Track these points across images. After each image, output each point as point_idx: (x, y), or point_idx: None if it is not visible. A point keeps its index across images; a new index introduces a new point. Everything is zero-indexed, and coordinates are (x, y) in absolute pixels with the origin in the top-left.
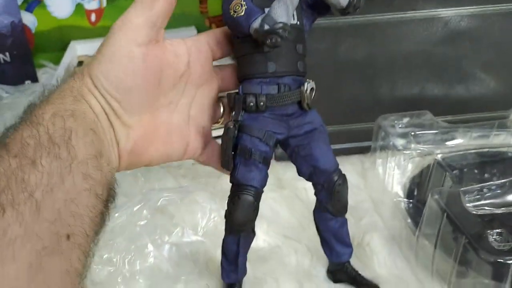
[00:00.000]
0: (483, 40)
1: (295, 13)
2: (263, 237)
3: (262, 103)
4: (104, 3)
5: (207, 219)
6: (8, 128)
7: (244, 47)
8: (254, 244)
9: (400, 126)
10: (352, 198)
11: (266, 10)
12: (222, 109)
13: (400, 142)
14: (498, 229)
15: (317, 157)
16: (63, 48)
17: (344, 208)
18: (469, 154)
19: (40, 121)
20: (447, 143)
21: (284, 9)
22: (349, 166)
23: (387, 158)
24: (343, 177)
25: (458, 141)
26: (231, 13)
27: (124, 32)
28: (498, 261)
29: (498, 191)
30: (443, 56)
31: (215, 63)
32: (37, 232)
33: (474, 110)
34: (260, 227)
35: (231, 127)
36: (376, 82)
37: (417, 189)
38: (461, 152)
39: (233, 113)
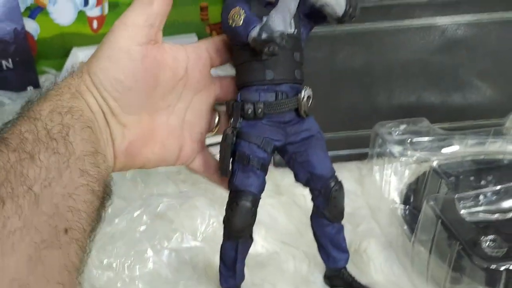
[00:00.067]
0: (479, 49)
1: (292, 22)
2: (261, 243)
3: (260, 110)
4: (106, 11)
5: (206, 225)
6: (6, 123)
7: (243, 55)
8: (252, 249)
9: (397, 133)
10: (350, 204)
11: (264, 18)
12: (217, 119)
13: (397, 149)
14: (492, 235)
15: (314, 164)
16: (65, 54)
17: (340, 213)
18: (465, 161)
19: (38, 117)
20: (444, 150)
21: (282, 18)
22: (347, 173)
23: (384, 165)
24: (339, 184)
25: (454, 148)
26: (230, 23)
27: (124, 32)
28: (491, 267)
29: (493, 197)
30: (440, 64)
31: (216, 71)
32: (36, 225)
33: (470, 117)
34: (258, 233)
35: (230, 133)
36: (373, 89)
37: (413, 196)
38: (457, 159)
39: (232, 120)
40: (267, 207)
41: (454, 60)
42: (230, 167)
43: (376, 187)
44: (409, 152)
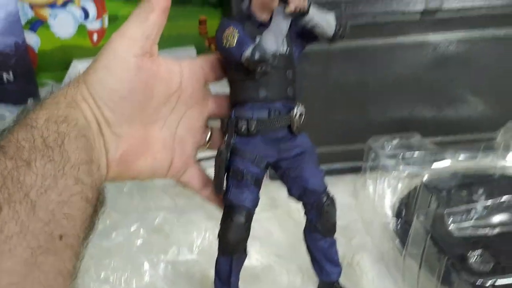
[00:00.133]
0: (471, 65)
1: (284, 41)
2: (256, 256)
3: (253, 127)
4: (106, 24)
5: (202, 238)
6: (2, 131)
7: (237, 73)
8: (247, 263)
9: (389, 148)
10: (344, 217)
11: (257, 39)
12: (209, 135)
13: (389, 163)
14: (480, 250)
15: (307, 179)
16: (65, 67)
17: (333, 227)
18: (456, 175)
19: (34, 125)
20: (435, 164)
21: (274, 39)
22: (341, 186)
23: (377, 179)
24: (331, 198)
25: (445, 162)
26: (224, 43)
27: (121, 43)
28: (478, 282)
29: (483, 212)
30: (432, 79)
31: (214, 88)
32: (32, 231)
33: (462, 131)
34: (253, 246)
35: (224, 150)
36: (367, 104)
37: (405, 210)
38: (448, 174)
39: (226, 136)
40: (262, 220)
41: (446, 76)
42: (225, 183)
43: (370, 200)
44: (401, 167)
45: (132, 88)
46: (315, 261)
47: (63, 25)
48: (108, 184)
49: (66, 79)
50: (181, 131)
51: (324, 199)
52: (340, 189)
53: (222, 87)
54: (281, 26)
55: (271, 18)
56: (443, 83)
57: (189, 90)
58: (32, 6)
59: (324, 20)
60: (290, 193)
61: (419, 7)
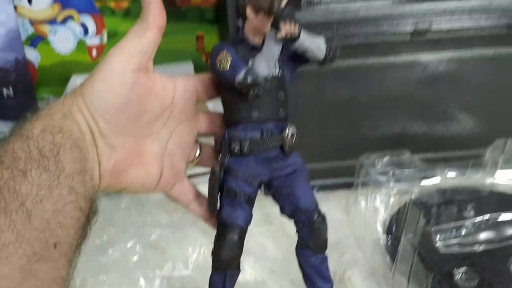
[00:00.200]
0: (460, 83)
1: (277, 64)
2: (250, 271)
3: (246, 148)
4: (105, 40)
5: (197, 253)
6: None
7: (230, 95)
8: (241, 278)
9: (380, 165)
10: (336, 233)
11: (250, 62)
12: (198, 151)
13: (380, 180)
14: (465, 267)
15: (299, 197)
16: (65, 82)
17: (324, 244)
18: (445, 192)
19: (30, 136)
20: (425, 181)
21: (266, 63)
22: (334, 202)
23: (368, 196)
24: (322, 216)
25: (435, 179)
26: (218, 66)
27: (119, 58)
28: None
29: (470, 230)
30: (423, 97)
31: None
32: (28, 239)
33: (452, 148)
34: (247, 261)
35: (217, 170)
36: (359, 121)
37: (395, 227)
38: (438, 190)
39: (220, 156)
40: (256, 235)
41: (436, 94)
42: (218, 202)
43: (361, 216)
44: (391, 184)
45: (127, 101)
46: (307, 277)
47: (62, 41)
48: (105, 199)
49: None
50: (171, 146)
51: (315, 216)
52: (332, 204)
53: (219, 105)
54: (272, 50)
55: (263, 42)
56: (433, 101)
57: (181, 107)
58: (32, 23)
59: (314, 45)
60: (282, 211)
61: (409, 28)
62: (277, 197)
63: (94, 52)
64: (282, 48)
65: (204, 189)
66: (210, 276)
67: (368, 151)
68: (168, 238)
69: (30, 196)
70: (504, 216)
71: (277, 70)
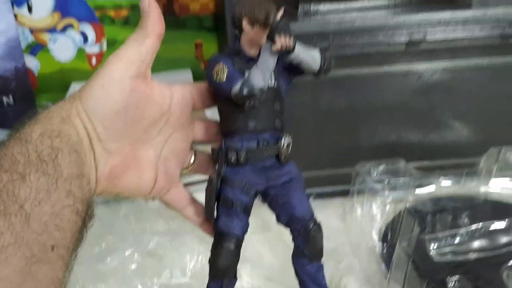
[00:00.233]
0: (455, 92)
1: (272, 75)
2: (247, 278)
3: (242, 158)
4: (105, 48)
5: (195, 261)
6: None
7: (226, 106)
8: (238, 285)
9: (376, 173)
10: (333, 240)
11: (246, 73)
12: (193, 159)
13: (375, 188)
14: (458, 275)
15: (294, 205)
16: (64, 89)
17: (319, 253)
18: (440, 200)
19: (29, 139)
20: (420, 189)
21: (261, 75)
22: (331, 209)
23: (363, 204)
24: (318, 224)
25: (430, 187)
26: (214, 78)
27: (117, 65)
28: None
29: (464, 238)
30: (418, 106)
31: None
32: (27, 242)
33: (447, 156)
34: (244, 268)
35: (214, 179)
36: (355, 130)
37: (390, 235)
38: (432, 199)
39: (216, 166)
40: (253, 243)
41: (431, 103)
42: (215, 211)
43: (357, 224)
44: (386, 192)
45: (125, 107)
46: (303, 285)
47: (62, 49)
48: (104, 207)
49: None
50: (166, 152)
51: (311, 225)
52: (329, 212)
53: (216, 113)
54: (268, 62)
55: (259, 53)
56: (428, 110)
57: (177, 114)
58: (32, 31)
59: (309, 56)
60: (279, 219)
61: (404, 38)
62: (273, 206)
63: (94, 60)
64: (277, 60)
65: (201, 197)
66: (207, 284)
67: (364, 159)
68: (166, 246)
69: (29, 199)
70: (497, 225)
71: (273, 81)
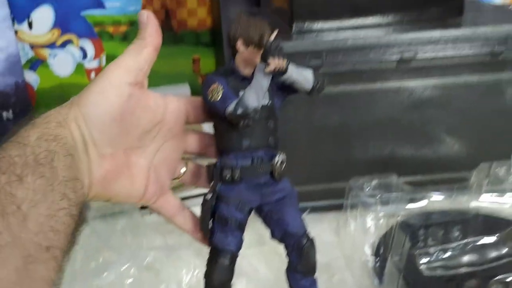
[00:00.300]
0: (446, 108)
1: (266, 94)
2: None
3: (237, 175)
4: (104, 63)
5: (191, 275)
6: None
7: (221, 124)
8: None
9: (368, 188)
10: (326, 254)
11: (241, 92)
12: (184, 169)
13: (368, 203)
14: None
15: (288, 221)
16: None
17: (313, 268)
18: (431, 215)
19: (26, 143)
20: (412, 204)
21: (255, 94)
22: (325, 223)
23: (357, 218)
24: (311, 240)
25: (422, 202)
26: (209, 97)
27: (116, 72)
28: None
29: (454, 253)
30: (410, 121)
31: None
32: (23, 241)
33: (439, 170)
34: (240, 282)
35: (210, 197)
36: (349, 145)
37: (382, 249)
38: (423, 213)
39: (212, 183)
40: (249, 257)
41: (422, 118)
42: (210, 227)
43: (351, 238)
44: (379, 207)
45: (121, 113)
46: None
47: (62, 64)
48: (101, 222)
49: None
50: (158, 161)
51: (304, 241)
52: (324, 226)
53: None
54: (262, 82)
55: (253, 73)
56: (420, 126)
57: (170, 124)
58: (32, 47)
59: (302, 77)
60: (273, 235)
61: (395, 56)
62: (267, 222)
63: (93, 75)
64: (271, 79)
65: (197, 212)
66: None
67: (358, 174)
68: (163, 260)
69: (26, 200)
70: (487, 239)
71: (266, 100)
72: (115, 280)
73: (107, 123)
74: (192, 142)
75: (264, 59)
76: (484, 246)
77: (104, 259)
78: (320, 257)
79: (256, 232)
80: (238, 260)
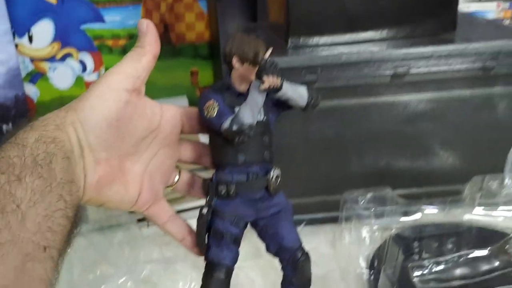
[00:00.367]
0: (439, 121)
1: (261, 110)
2: None
3: (232, 191)
4: None
5: None
6: None
7: (217, 140)
8: None
9: (363, 201)
10: (322, 267)
11: (236, 108)
12: (177, 177)
13: (363, 216)
14: None
15: (283, 236)
16: None
17: (308, 282)
18: (426, 227)
19: (25, 144)
20: (406, 217)
21: (250, 111)
22: (322, 236)
23: (351, 232)
24: (306, 254)
25: (416, 215)
26: (205, 113)
27: (115, 78)
28: None
29: (447, 265)
30: (404, 135)
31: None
32: (22, 240)
33: (433, 183)
34: None
35: (205, 212)
36: (344, 158)
37: (377, 262)
38: (417, 227)
39: (208, 198)
40: (246, 269)
41: (416, 132)
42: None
43: (346, 251)
44: (373, 220)
45: (118, 118)
46: None
47: (61, 77)
48: (99, 235)
49: None
50: (152, 168)
51: (299, 255)
52: (320, 238)
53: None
54: (257, 99)
55: (249, 89)
56: (414, 139)
57: (165, 132)
58: (32, 60)
59: (296, 94)
60: (268, 249)
61: (389, 72)
62: (262, 236)
63: None
64: (267, 95)
65: (193, 224)
66: None
67: (353, 187)
68: (160, 273)
69: (24, 200)
70: (479, 252)
71: (262, 116)
72: None
73: (104, 128)
74: (186, 151)
75: (259, 76)
76: (477, 259)
77: (101, 272)
78: (317, 270)
79: (253, 245)
80: (235, 272)
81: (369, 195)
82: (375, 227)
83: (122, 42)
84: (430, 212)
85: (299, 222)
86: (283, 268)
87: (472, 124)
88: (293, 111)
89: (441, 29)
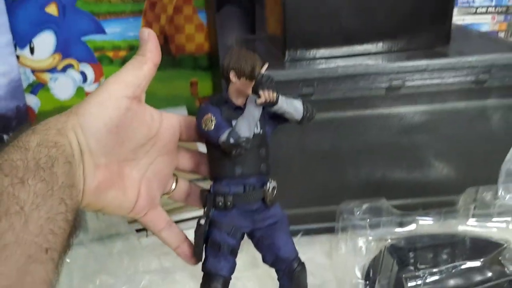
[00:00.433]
0: (434, 133)
1: (258, 123)
2: None
3: (229, 202)
4: None
5: None
6: None
7: (215, 153)
8: None
9: (358, 212)
10: (319, 277)
11: (233, 122)
12: (174, 185)
13: (358, 227)
14: None
15: (279, 246)
16: None
17: None
18: (421, 237)
19: (27, 147)
20: (400, 228)
21: (247, 125)
22: (318, 246)
23: (347, 242)
24: (302, 264)
25: (411, 226)
26: (203, 127)
27: (116, 85)
28: None
29: (441, 276)
30: (399, 147)
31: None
32: (25, 242)
33: (428, 194)
34: None
35: (203, 223)
36: (340, 169)
37: (372, 273)
38: (412, 238)
39: (205, 209)
40: (243, 279)
41: (412, 144)
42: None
43: (342, 261)
44: (368, 231)
45: (118, 125)
46: None
47: (62, 88)
48: (98, 245)
49: None
50: (149, 174)
51: (295, 265)
52: (316, 248)
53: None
54: (253, 113)
55: (246, 103)
56: (409, 150)
57: (164, 140)
58: (33, 71)
59: (292, 107)
60: (264, 260)
61: (384, 84)
62: (259, 247)
63: None
64: (263, 108)
65: (190, 235)
66: None
67: (349, 197)
68: (158, 283)
69: (27, 202)
70: (473, 263)
71: (258, 129)
72: None
73: (104, 134)
74: (184, 159)
75: (255, 91)
76: (471, 269)
77: (101, 281)
78: (313, 280)
79: (250, 254)
80: (232, 282)
81: (364, 206)
82: (370, 238)
83: (122, 53)
84: (425, 223)
85: (295, 233)
86: (279, 279)
87: (466, 136)
88: (289, 123)
89: (435, 42)
